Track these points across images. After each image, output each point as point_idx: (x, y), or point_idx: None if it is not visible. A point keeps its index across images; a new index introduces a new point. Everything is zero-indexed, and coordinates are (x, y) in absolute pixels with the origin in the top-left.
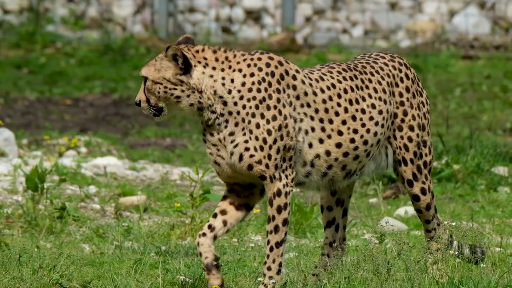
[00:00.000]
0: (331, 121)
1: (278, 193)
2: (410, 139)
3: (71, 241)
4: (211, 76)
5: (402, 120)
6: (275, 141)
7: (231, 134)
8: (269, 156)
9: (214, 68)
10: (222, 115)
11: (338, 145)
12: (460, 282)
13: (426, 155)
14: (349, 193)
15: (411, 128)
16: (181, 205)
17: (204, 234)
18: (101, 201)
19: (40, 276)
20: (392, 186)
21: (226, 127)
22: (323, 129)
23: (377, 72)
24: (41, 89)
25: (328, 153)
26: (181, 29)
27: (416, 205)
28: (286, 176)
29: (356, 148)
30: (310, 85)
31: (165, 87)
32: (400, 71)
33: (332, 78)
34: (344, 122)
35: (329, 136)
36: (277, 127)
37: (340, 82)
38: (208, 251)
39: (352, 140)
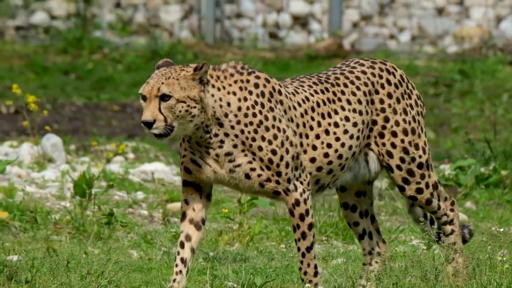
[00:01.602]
0: (307, 136)
1: (297, 203)
2: (393, 145)
3: (119, 247)
4: (213, 95)
5: (383, 127)
6: (281, 158)
7: (229, 154)
8: (279, 173)
9: (213, 87)
10: (216, 135)
11: (312, 160)
12: None
13: (420, 156)
14: (369, 201)
15: (394, 134)
16: (228, 211)
17: (181, 272)
18: (149, 207)
19: (88, 282)
20: None
21: (221, 147)
22: (301, 144)
23: (352, 82)
24: (88, 95)
25: None
26: (228, 35)
27: (415, 203)
28: (301, 183)
29: (330, 162)
30: (291, 99)
31: (188, 106)
32: (381, 77)
33: (305, 91)
34: (317, 137)
35: (305, 151)
36: (280, 144)
37: (312, 95)
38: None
39: (326, 155)
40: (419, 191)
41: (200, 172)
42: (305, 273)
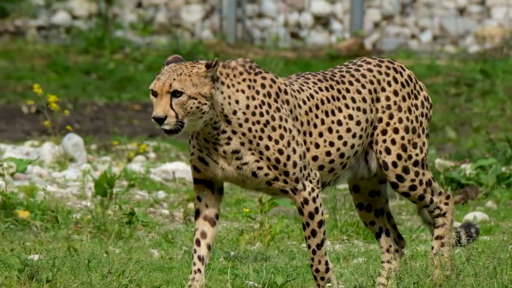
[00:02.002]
0: (310, 134)
1: (305, 201)
2: (393, 142)
3: (140, 247)
4: (222, 92)
5: (388, 124)
6: (288, 157)
7: (236, 152)
8: (286, 173)
9: (223, 84)
10: (224, 132)
11: (314, 158)
12: None
13: (417, 154)
14: (383, 199)
15: (396, 131)
16: (250, 210)
17: (199, 270)
18: (170, 206)
19: (109, 281)
20: (460, 191)
21: (228, 143)
22: (304, 142)
23: (357, 80)
24: (109, 94)
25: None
26: (249, 35)
27: (408, 199)
28: (310, 181)
29: (332, 161)
30: (296, 97)
31: (199, 102)
32: (388, 75)
33: (309, 88)
34: (320, 135)
35: (307, 149)
36: (287, 143)
37: (316, 92)
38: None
39: (328, 153)
40: (413, 188)
41: (207, 170)
42: (317, 270)
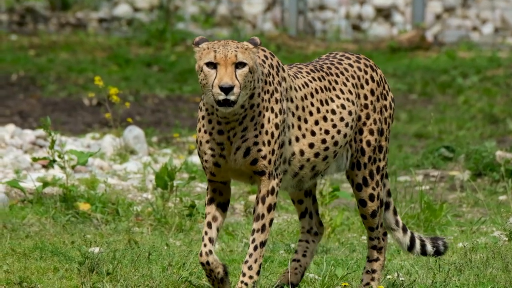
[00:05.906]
0: (306, 121)
1: (272, 191)
2: (368, 143)
3: (200, 239)
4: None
5: (364, 123)
6: (279, 135)
7: (245, 129)
8: (273, 152)
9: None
10: (244, 108)
11: (311, 145)
12: None
13: (380, 160)
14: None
15: (371, 132)
16: None
17: (210, 252)
18: (231, 199)
19: (170, 274)
20: None
21: (241, 123)
22: (299, 127)
23: (342, 73)
24: (171, 87)
25: (302, 152)
26: (311, 27)
27: (361, 210)
28: (277, 175)
29: (326, 148)
30: (292, 80)
31: (252, 77)
32: (366, 72)
33: (304, 77)
34: (316, 123)
35: (303, 135)
36: (281, 121)
37: (310, 82)
38: (218, 265)
39: (324, 141)
40: (372, 197)
41: (220, 172)
42: (250, 267)
